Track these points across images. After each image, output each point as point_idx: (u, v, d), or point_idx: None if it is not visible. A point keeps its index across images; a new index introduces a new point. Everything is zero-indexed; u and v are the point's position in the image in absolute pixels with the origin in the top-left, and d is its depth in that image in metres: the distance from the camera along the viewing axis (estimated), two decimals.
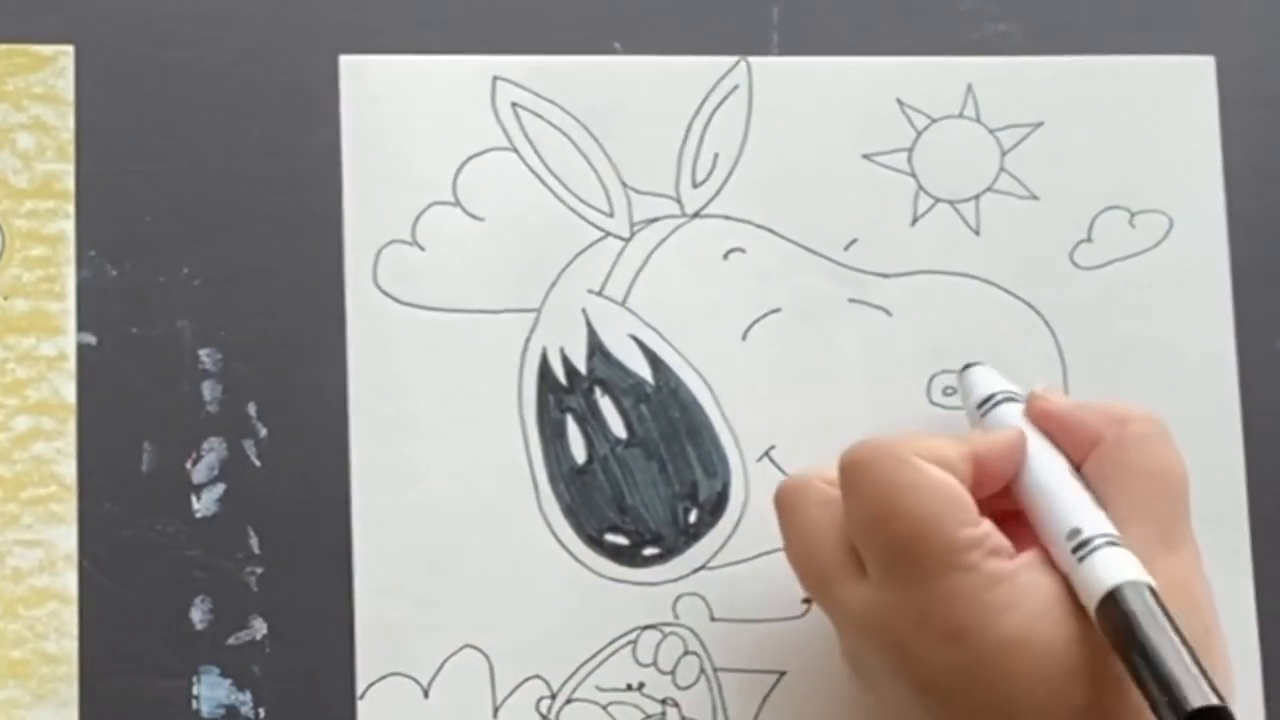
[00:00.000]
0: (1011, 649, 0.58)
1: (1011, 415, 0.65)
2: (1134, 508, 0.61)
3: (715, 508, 0.68)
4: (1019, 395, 0.65)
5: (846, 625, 0.62)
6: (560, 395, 0.68)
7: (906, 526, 0.59)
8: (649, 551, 0.67)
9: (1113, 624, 0.57)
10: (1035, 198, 0.70)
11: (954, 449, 0.62)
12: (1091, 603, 0.58)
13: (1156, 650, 0.56)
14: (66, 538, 0.65)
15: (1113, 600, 0.57)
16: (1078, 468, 0.63)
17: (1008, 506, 0.62)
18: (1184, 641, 0.56)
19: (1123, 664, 0.57)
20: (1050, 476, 0.62)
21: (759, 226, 0.70)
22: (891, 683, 0.61)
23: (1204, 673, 0.55)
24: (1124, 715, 0.58)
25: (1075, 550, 0.59)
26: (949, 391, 0.69)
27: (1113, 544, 0.59)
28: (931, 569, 0.59)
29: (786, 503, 0.64)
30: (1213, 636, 0.60)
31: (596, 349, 0.68)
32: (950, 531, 0.59)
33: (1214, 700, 0.54)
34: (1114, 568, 0.58)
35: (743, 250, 0.69)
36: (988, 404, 0.66)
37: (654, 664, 0.67)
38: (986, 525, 0.60)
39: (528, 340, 0.68)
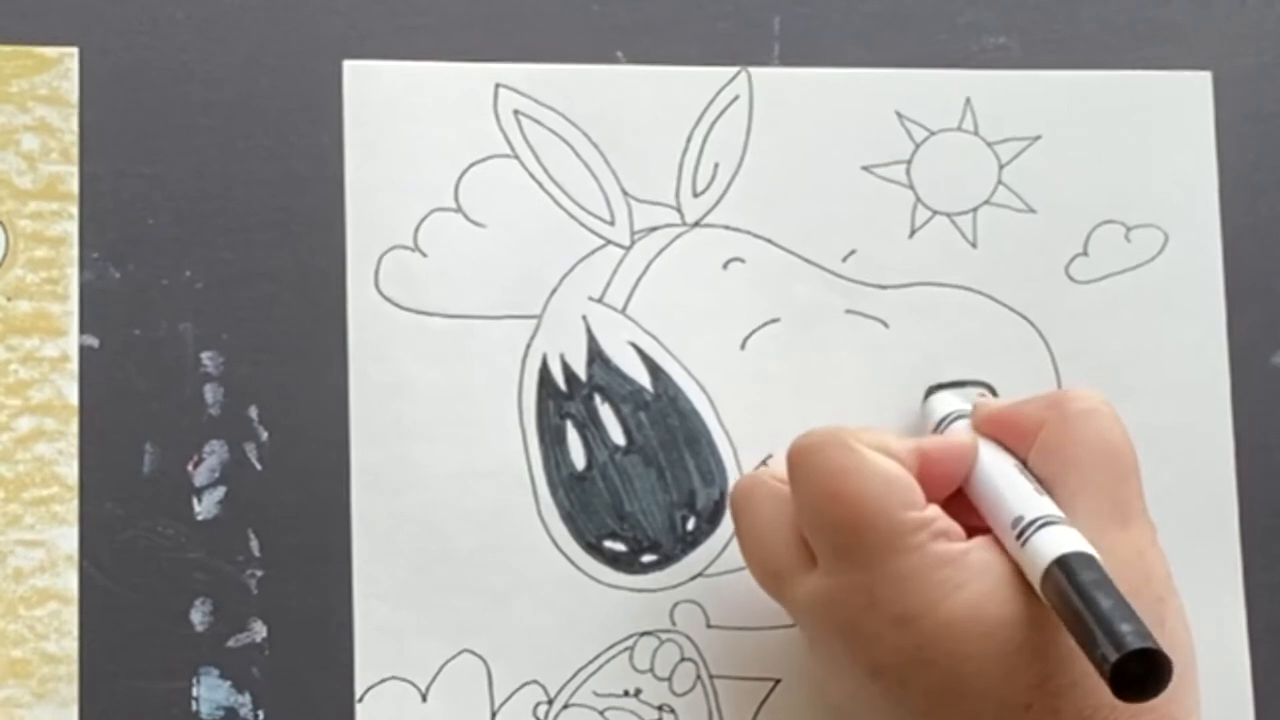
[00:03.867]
0: (961, 628, 0.59)
1: (963, 429, 0.66)
2: (1082, 482, 0.62)
3: (713, 516, 0.68)
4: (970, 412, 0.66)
5: (801, 617, 0.63)
6: (560, 401, 0.68)
7: (851, 509, 0.60)
8: (647, 558, 0.68)
9: (1056, 590, 0.57)
10: (1032, 211, 0.71)
11: (900, 442, 0.63)
12: (1036, 579, 0.58)
13: (1095, 603, 0.56)
14: (68, 538, 0.65)
15: (1053, 569, 0.58)
16: (1025, 461, 0.64)
17: (978, 523, 0.63)
18: (1122, 599, 0.56)
19: (1067, 629, 0.57)
20: (995, 473, 0.63)
21: (758, 236, 0.70)
22: (848, 669, 0.61)
23: (1143, 624, 0.55)
24: (1075, 694, 0.58)
25: (1019, 536, 0.60)
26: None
27: (1052, 523, 0.60)
28: (878, 551, 0.60)
29: (740, 500, 0.65)
30: (1166, 607, 0.60)
31: (596, 356, 0.69)
32: (894, 513, 0.60)
33: (1150, 644, 0.55)
34: (1054, 542, 0.59)
35: (742, 260, 0.70)
36: (942, 424, 0.67)
37: (651, 670, 0.67)
38: (933, 509, 0.61)
39: (528, 346, 0.68)
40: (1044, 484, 0.62)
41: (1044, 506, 0.61)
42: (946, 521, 0.61)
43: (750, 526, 0.64)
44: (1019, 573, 0.60)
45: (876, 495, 0.60)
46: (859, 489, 0.61)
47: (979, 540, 0.61)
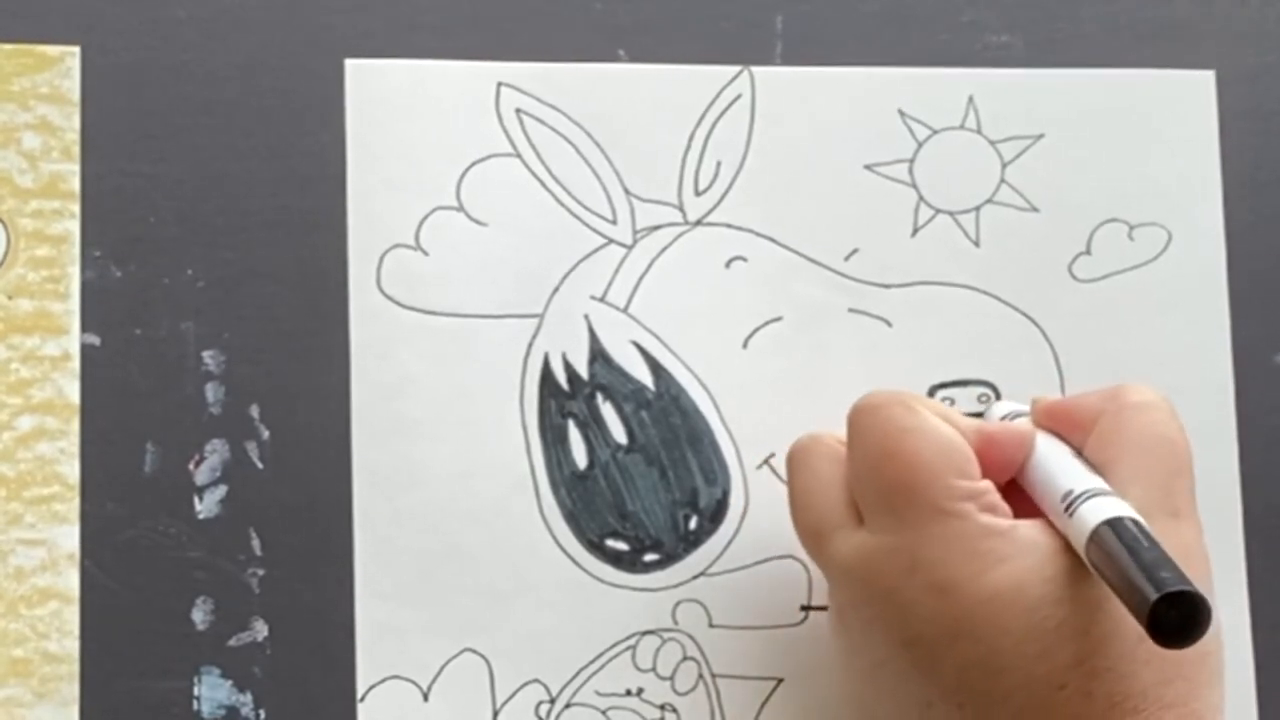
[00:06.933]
0: (1002, 602, 0.59)
1: (1022, 423, 0.66)
2: (1134, 472, 0.62)
3: (715, 515, 0.68)
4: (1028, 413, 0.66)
5: (839, 576, 0.63)
6: (562, 400, 0.68)
7: (905, 468, 0.61)
8: (649, 557, 0.68)
9: (1100, 550, 0.58)
10: (1035, 210, 0.71)
11: (963, 418, 0.64)
12: (1082, 544, 0.58)
13: (1138, 553, 0.56)
14: (69, 537, 0.65)
15: (1101, 529, 0.58)
16: (1081, 451, 0.64)
17: (1030, 516, 0.63)
18: (1165, 552, 0.57)
19: (1110, 588, 0.57)
20: (1049, 457, 0.63)
21: (761, 235, 0.70)
22: (879, 637, 0.61)
23: (1184, 574, 0.55)
24: (1110, 678, 0.58)
25: (1067, 509, 0.60)
26: (947, 404, 0.69)
27: (1101, 494, 0.60)
28: (926, 512, 0.60)
29: (796, 458, 0.65)
30: None
31: (598, 355, 0.69)
32: (947, 478, 0.60)
33: (1189, 587, 0.55)
34: (1102, 508, 0.59)
35: (744, 259, 0.70)
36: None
37: (653, 669, 0.67)
38: (986, 483, 0.61)
39: (530, 345, 0.68)
40: (1098, 471, 0.62)
41: (1095, 481, 0.61)
42: (997, 498, 0.61)
43: (802, 483, 0.64)
44: (1065, 553, 0.59)
45: (932, 458, 0.61)
46: (916, 449, 0.61)
47: (1026, 521, 0.61)
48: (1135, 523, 0.58)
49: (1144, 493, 0.61)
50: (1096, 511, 0.59)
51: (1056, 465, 0.62)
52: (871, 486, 0.62)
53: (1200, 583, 0.60)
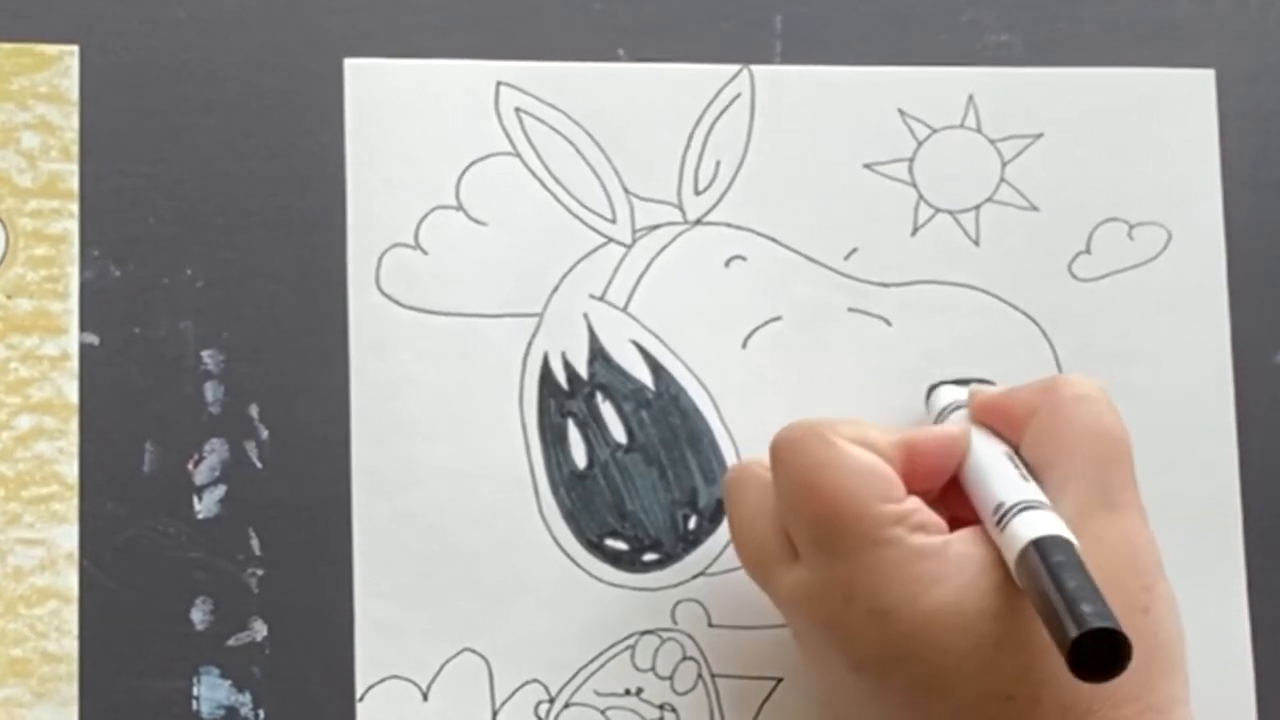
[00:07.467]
0: (940, 622, 0.58)
1: (961, 419, 0.66)
2: (1071, 468, 0.61)
3: (714, 515, 0.68)
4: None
5: (784, 609, 0.63)
6: (561, 400, 0.68)
7: (827, 502, 0.60)
8: (648, 557, 0.68)
9: (1028, 572, 0.57)
10: (1035, 209, 0.71)
11: (883, 435, 0.63)
12: (1012, 562, 0.58)
13: (1061, 582, 0.56)
14: (68, 537, 0.65)
15: (1028, 550, 0.57)
16: (1019, 448, 0.63)
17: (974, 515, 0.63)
18: (1090, 581, 0.56)
19: (1036, 611, 0.57)
20: (984, 462, 0.63)
21: (760, 234, 0.70)
22: (832, 663, 0.61)
23: (1107, 606, 0.55)
24: (1057, 684, 0.58)
25: (998, 523, 0.59)
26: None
27: (1031, 508, 0.59)
28: (854, 544, 0.60)
29: (729, 489, 0.65)
30: (1153, 594, 0.60)
31: (598, 354, 0.69)
32: (870, 506, 0.60)
33: (1110, 624, 0.54)
34: (1030, 526, 0.58)
35: (744, 258, 0.70)
36: (942, 414, 0.67)
37: (652, 669, 0.67)
38: (913, 502, 0.61)
39: (529, 345, 0.68)
40: (1035, 470, 0.62)
41: (1025, 492, 0.60)
42: (926, 514, 0.60)
43: (738, 516, 0.64)
44: (1000, 565, 0.59)
45: (853, 488, 0.60)
46: (835, 482, 0.60)
47: (960, 533, 0.60)
48: (1062, 542, 0.58)
49: (1082, 489, 0.61)
50: (1025, 529, 0.58)
51: (990, 472, 0.62)
52: (799, 523, 0.61)
53: (1147, 572, 0.60)
